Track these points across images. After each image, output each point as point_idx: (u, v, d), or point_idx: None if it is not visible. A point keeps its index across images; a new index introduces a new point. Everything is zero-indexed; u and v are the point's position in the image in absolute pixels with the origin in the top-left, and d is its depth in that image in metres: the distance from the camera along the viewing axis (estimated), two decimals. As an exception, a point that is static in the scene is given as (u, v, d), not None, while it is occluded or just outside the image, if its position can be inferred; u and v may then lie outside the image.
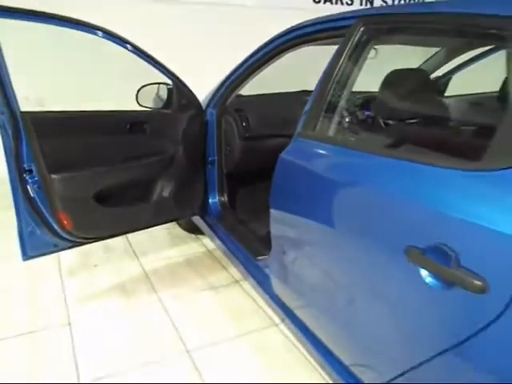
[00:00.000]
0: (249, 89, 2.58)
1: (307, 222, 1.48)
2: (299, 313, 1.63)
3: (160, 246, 2.95)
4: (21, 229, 2.01)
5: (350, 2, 5.73)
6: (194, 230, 2.98)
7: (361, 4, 5.81)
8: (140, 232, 2.90)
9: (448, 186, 1.01)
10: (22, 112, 1.85)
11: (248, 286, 2.40)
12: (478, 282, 0.89)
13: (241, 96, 2.72)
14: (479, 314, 0.90)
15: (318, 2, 5.51)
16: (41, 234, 2.05)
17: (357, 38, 1.47)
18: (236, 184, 2.76)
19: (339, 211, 1.31)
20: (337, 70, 1.50)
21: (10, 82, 1.78)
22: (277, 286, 1.80)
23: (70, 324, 2.13)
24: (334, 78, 1.51)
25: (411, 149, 1.32)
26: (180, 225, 3.19)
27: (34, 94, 1.95)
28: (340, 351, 1.40)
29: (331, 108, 1.51)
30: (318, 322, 1.54)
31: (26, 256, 2.06)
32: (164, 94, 2.46)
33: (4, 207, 2.04)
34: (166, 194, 2.36)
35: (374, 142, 1.53)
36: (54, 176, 1.95)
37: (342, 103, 1.48)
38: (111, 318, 2.18)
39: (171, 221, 2.66)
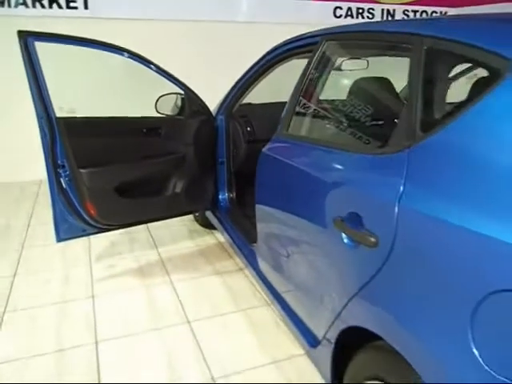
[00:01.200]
0: (254, 98, 2.93)
1: (274, 204, 1.80)
2: (271, 279, 1.95)
3: (177, 238, 3.31)
4: (55, 215, 2.42)
5: (370, 16, 5.98)
6: (209, 225, 3.31)
7: (382, 17, 6.06)
8: (161, 227, 3.33)
9: (359, 167, 1.29)
10: (57, 117, 2.27)
11: (249, 272, 2.69)
12: (372, 239, 1.16)
13: (246, 104, 3.05)
14: (375, 261, 1.17)
15: (339, 16, 5.80)
16: (71, 220, 2.45)
17: (321, 53, 1.77)
18: (243, 182, 3.08)
19: (295, 194, 1.61)
20: (304, 80, 1.81)
21: (48, 95, 2.21)
22: (261, 264, 2.11)
23: (93, 296, 2.51)
24: (303, 88, 1.81)
25: (342, 141, 1.62)
26: (197, 221, 3.54)
27: (66, 105, 2.38)
28: (297, 306, 1.71)
29: (299, 112, 1.82)
30: (284, 285, 1.85)
31: (59, 238, 2.48)
32: (179, 102, 2.83)
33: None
34: (178, 189, 2.72)
35: (321, 137, 1.82)
36: (82, 170, 2.36)
37: (306, 108, 1.79)
38: (127, 293, 2.54)
39: (184, 214, 3.00)
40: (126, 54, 2.44)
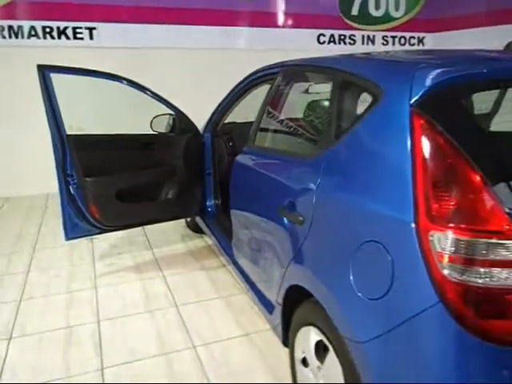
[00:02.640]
0: (236, 117, 3.39)
1: (241, 202, 2.25)
2: (243, 266, 2.38)
3: (171, 241, 3.74)
4: (64, 217, 2.86)
5: (351, 42, 6.50)
6: (199, 230, 3.73)
7: (362, 43, 6.57)
8: (156, 231, 3.76)
9: (296, 167, 1.74)
10: (67, 135, 2.73)
11: (231, 268, 3.10)
12: (300, 218, 1.60)
13: (231, 123, 3.52)
14: (302, 234, 1.60)
15: (323, 42, 6.33)
16: (78, 221, 2.89)
17: (279, 81, 2.24)
18: (227, 190, 3.52)
19: (255, 191, 2.06)
20: (266, 102, 2.27)
21: (60, 116, 2.68)
22: (235, 254, 2.54)
23: (96, 287, 2.93)
24: (264, 109, 2.27)
25: (288, 149, 2.07)
26: (189, 226, 3.97)
27: (75, 124, 2.85)
28: (259, 282, 2.13)
29: (262, 128, 2.28)
30: (250, 267, 2.28)
31: (67, 237, 2.91)
32: (171, 122, 3.29)
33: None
34: (169, 196, 3.16)
35: (275, 146, 2.28)
36: (87, 179, 2.81)
37: (266, 124, 2.25)
38: (125, 284, 2.96)
39: (175, 218, 3.43)
40: (124, 81, 2.92)
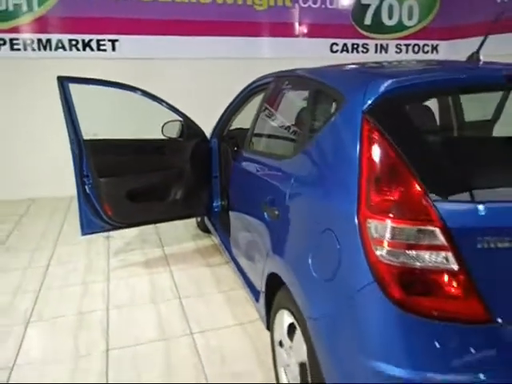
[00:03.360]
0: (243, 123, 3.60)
1: (236, 200, 2.45)
2: (238, 259, 2.58)
3: (181, 240, 3.97)
4: (81, 214, 3.12)
5: (364, 51, 6.64)
6: (208, 230, 3.95)
7: (375, 51, 6.71)
8: (168, 231, 4.02)
9: (278, 168, 1.93)
10: (84, 140, 3.00)
11: (233, 265, 3.30)
12: (276, 213, 1.79)
13: (237, 129, 3.73)
14: (278, 227, 1.79)
15: (336, 51, 6.50)
16: (93, 218, 3.15)
17: (270, 89, 2.44)
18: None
19: (245, 189, 2.27)
20: (259, 110, 2.48)
21: (78, 123, 2.95)
22: (233, 249, 2.74)
23: (108, 279, 3.18)
24: (258, 116, 2.48)
25: (273, 152, 2.26)
26: (198, 226, 4.20)
27: (91, 131, 3.13)
28: (250, 273, 2.33)
29: (256, 133, 2.49)
30: (243, 260, 2.48)
31: (83, 233, 3.18)
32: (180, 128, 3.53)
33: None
34: (177, 196, 3.39)
35: (263, 149, 2.47)
36: (101, 179, 3.07)
37: (259, 129, 2.45)
38: (135, 278, 3.20)
39: (182, 218, 3.66)
40: (139, 91, 3.18)
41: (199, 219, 4.13)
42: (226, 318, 2.65)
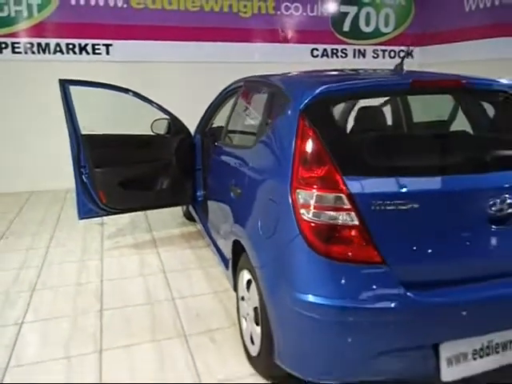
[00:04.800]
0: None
1: (211, 186, 2.90)
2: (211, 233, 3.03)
3: (168, 227, 4.40)
4: (78, 201, 3.55)
5: (343, 55, 7.11)
6: (193, 218, 4.38)
7: (354, 56, 7.17)
8: (157, 219, 4.44)
9: (243, 155, 2.38)
10: (81, 134, 3.43)
11: (211, 245, 3.74)
12: (239, 191, 2.24)
13: (219, 127, 4.17)
14: (240, 202, 2.23)
15: (316, 56, 6.95)
16: (89, 205, 3.58)
17: (241, 92, 2.89)
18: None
19: (217, 175, 2.72)
20: (232, 109, 2.92)
21: (77, 120, 3.37)
22: (210, 229, 3.19)
23: (102, 259, 3.61)
24: (231, 114, 2.93)
25: (239, 143, 2.71)
26: (184, 215, 4.63)
27: (88, 126, 3.56)
28: (221, 245, 2.77)
29: (229, 130, 2.94)
30: (217, 235, 2.92)
31: (80, 217, 3.61)
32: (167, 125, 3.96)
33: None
34: (164, 186, 3.82)
35: (232, 142, 2.92)
36: (96, 170, 3.49)
37: (231, 126, 2.90)
38: (125, 257, 3.64)
39: (169, 206, 4.10)
40: (130, 93, 3.62)
41: (185, 208, 4.56)
42: (203, 288, 3.09)
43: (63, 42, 5.70)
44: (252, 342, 2.15)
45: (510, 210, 1.72)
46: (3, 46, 5.46)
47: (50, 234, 4.20)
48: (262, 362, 2.04)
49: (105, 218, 4.43)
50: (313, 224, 1.66)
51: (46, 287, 3.11)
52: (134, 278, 3.27)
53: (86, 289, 3.09)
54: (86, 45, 5.79)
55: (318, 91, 1.87)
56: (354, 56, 7.19)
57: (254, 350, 2.11)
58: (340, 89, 1.91)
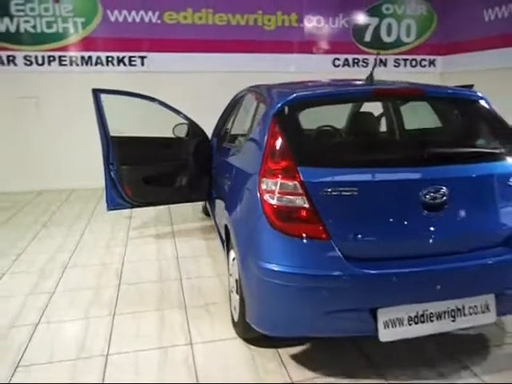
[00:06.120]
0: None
1: (217, 181, 3.33)
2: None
3: (187, 221, 4.88)
4: (107, 194, 4.08)
5: (364, 65, 7.39)
6: (209, 213, 4.82)
7: (374, 66, 7.41)
8: (179, 214, 4.93)
9: (236, 153, 2.80)
10: (111, 136, 3.96)
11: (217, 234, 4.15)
12: (229, 183, 2.66)
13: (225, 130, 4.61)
14: (230, 192, 2.65)
15: (338, 65, 7.28)
16: (116, 198, 4.10)
17: (242, 99, 3.31)
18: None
19: (221, 172, 3.14)
20: (235, 115, 3.35)
21: (107, 124, 3.91)
22: (216, 220, 3.62)
23: (126, 245, 4.12)
24: (234, 120, 3.36)
25: (234, 143, 3.12)
26: (203, 210, 5.09)
27: (117, 129, 4.09)
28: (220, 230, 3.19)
29: (231, 132, 3.37)
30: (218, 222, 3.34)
31: (108, 208, 4.14)
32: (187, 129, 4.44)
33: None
34: (183, 183, 4.29)
35: (230, 142, 3.33)
36: (123, 167, 4.01)
37: (233, 130, 3.33)
38: (146, 245, 4.13)
39: (187, 201, 4.55)
40: (156, 101, 4.12)
41: (203, 205, 5.02)
42: (208, 271, 3.53)
43: (103, 54, 6.36)
44: (235, 310, 2.55)
45: (442, 199, 2.03)
46: (51, 59, 6.18)
47: (84, 226, 4.78)
48: (240, 325, 2.43)
49: (133, 212, 5.00)
50: (274, 206, 2.05)
51: (77, 266, 3.65)
52: (151, 261, 3.75)
53: (109, 268, 3.60)
54: (124, 57, 6.42)
55: (288, 99, 2.27)
56: (376, 65, 7.42)
57: (236, 317, 2.51)
58: (306, 97, 2.30)
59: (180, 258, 3.81)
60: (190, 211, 5.11)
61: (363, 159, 2.09)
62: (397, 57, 7.53)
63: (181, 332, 2.65)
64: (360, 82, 2.78)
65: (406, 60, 7.57)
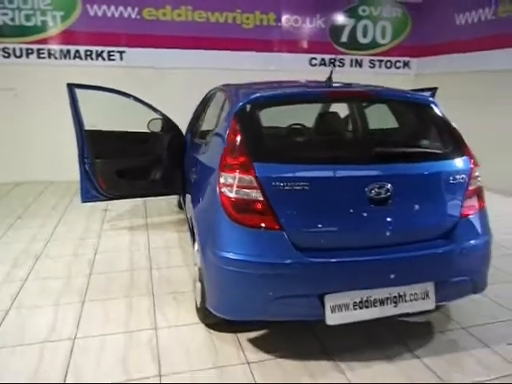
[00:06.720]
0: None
1: (188, 174, 3.47)
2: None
3: (161, 214, 5.01)
4: (81, 186, 4.18)
5: (341, 65, 7.58)
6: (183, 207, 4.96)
7: (350, 66, 7.62)
8: (153, 207, 5.03)
9: (201, 148, 2.94)
10: (85, 130, 4.05)
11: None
12: (194, 176, 2.80)
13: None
14: (195, 185, 2.79)
15: (314, 65, 7.45)
16: (90, 190, 4.20)
17: (212, 97, 3.45)
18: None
19: (191, 167, 3.28)
20: (205, 112, 3.49)
21: (81, 118, 4.00)
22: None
23: (100, 237, 4.23)
24: (204, 117, 3.49)
25: (205, 139, 3.26)
26: (178, 204, 5.22)
27: (90, 122, 4.18)
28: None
29: (201, 128, 3.50)
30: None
31: (83, 200, 4.23)
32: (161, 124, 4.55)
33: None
34: (156, 177, 4.41)
35: (201, 138, 3.47)
36: (97, 160, 4.11)
37: (202, 126, 3.46)
38: (120, 237, 4.25)
39: (161, 195, 4.66)
40: (131, 97, 4.22)
41: (178, 199, 5.14)
42: (178, 262, 3.66)
43: (82, 48, 6.41)
44: (198, 297, 2.69)
45: (386, 194, 2.21)
46: (30, 51, 6.21)
47: (58, 218, 4.86)
48: (202, 311, 2.58)
49: (108, 205, 5.09)
50: (231, 199, 2.20)
51: (49, 256, 3.75)
52: (123, 252, 3.87)
53: (82, 258, 3.70)
54: (102, 51, 6.48)
55: (249, 99, 2.42)
56: (351, 65, 7.65)
57: (198, 303, 2.66)
58: (266, 97, 2.45)
59: (152, 249, 3.94)
60: (164, 205, 5.24)
61: (315, 156, 2.26)
62: (372, 58, 7.73)
63: (147, 317, 2.78)
64: (317, 84, 2.94)
65: (381, 61, 7.78)
